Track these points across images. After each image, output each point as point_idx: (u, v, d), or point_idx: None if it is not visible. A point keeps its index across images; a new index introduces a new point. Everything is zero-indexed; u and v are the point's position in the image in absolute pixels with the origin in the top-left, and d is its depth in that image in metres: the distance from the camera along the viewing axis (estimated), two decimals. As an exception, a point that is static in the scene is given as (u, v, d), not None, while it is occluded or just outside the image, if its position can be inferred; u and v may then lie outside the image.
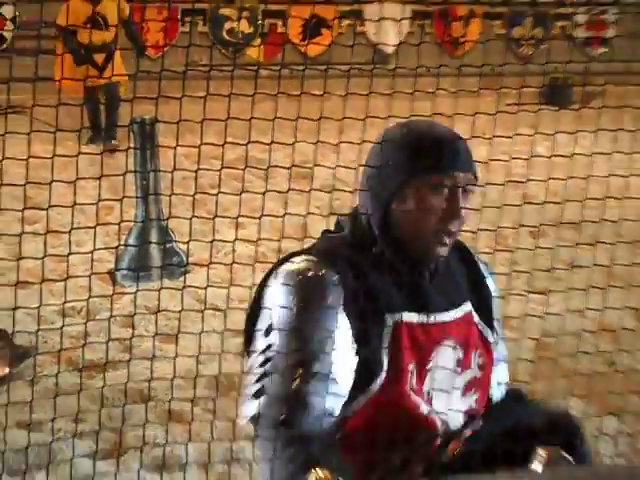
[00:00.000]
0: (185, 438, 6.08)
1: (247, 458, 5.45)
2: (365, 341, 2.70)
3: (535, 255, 4.83)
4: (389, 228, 2.81)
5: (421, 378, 2.80)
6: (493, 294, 3.04)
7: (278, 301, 2.68)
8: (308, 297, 2.66)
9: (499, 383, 3.09)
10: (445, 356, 2.84)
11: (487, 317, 2.99)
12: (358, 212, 2.88)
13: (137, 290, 7.26)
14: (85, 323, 4.40)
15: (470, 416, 2.94)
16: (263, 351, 2.65)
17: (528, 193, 5.56)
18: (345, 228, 2.90)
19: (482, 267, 3.07)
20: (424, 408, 2.80)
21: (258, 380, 2.65)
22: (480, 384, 2.95)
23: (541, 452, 2.75)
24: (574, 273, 6.93)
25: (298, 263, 2.76)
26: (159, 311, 6.06)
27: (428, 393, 2.81)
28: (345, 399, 2.69)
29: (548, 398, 4.80)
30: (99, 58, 15.02)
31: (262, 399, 2.60)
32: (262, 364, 2.64)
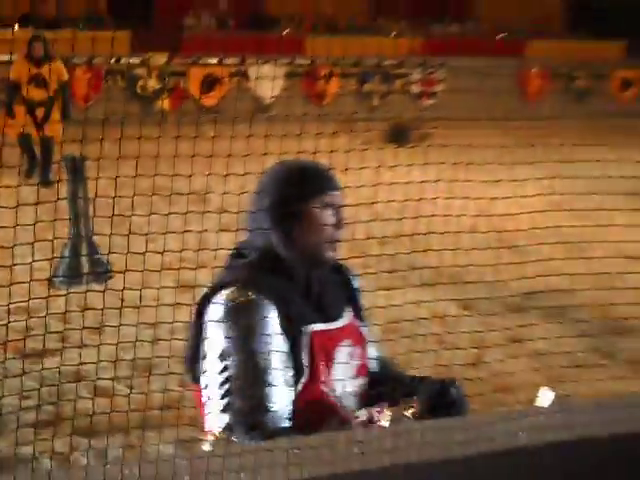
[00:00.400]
0: (109, 409, 6.03)
1: (157, 424, 5.45)
2: (293, 351, 2.69)
3: (381, 259, 4.88)
4: (293, 243, 2.79)
5: (329, 373, 2.79)
6: (358, 290, 3.05)
7: (224, 329, 2.64)
8: (251, 323, 2.62)
9: (374, 358, 3.09)
10: (343, 353, 2.85)
11: (358, 312, 3.00)
12: (259, 237, 2.85)
13: (69, 292, 7.23)
14: (26, 320, 4.31)
15: (361, 397, 2.96)
16: (221, 372, 2.62)
17: (376, 211, 5.59)
18: (252, 253, 2.85)
19: (347, 271, 3.07)
20: (332, 396, 2.80)
21: (223, 397, 2.63)
22: (362, 370, 2.95)
23: (387, 411, 2.75)
24: (411, 273, 7.09)
25: (233, 294, 2.71)
26: (87, 309, 5.97)
27: (333, 384, 2.81)
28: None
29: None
30: (39, 112, 14.80)
31: (230, 412, 2.60)
32: (222, 383, 2.62)
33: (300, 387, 2.72)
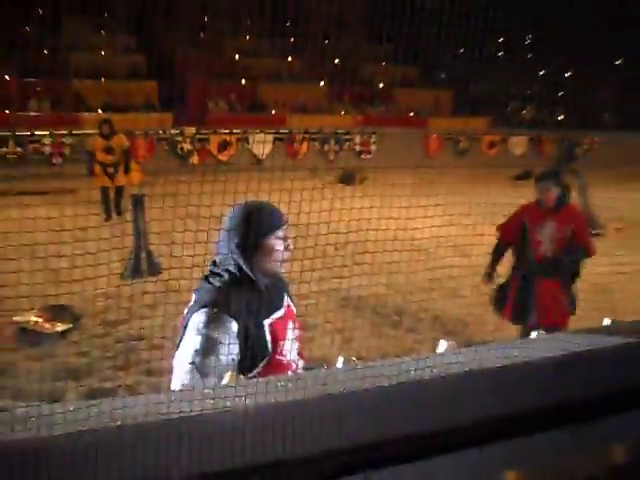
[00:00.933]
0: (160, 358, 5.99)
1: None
2: (253, 342, 2.62)
3: (336, 258, 4.86)
4: (255, 266, 2.75)
5: (283, 345, 2.78)
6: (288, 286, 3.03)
7: (199, 334, 2.55)
8: (214, 332, 2.54)
9: None
10: (290, 330, 2.83)
11: (291, 300, 2.98)
12: (231, 262, 2.76)
13: (133, 283, 7.13)
14: (106, 300, 4.27)
15: (302, 355, 2.96)
16: (192, 362, 2.52)
17: (332, 227, 5.61)
18: (224, 275, 2.76)
19: (283, 277, 3.03)
20: (285, 360, 2.78)
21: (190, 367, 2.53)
22: (299, 337, 2.95)
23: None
24: (355, 267, 7.05)
25: (206, 313, 2.60)
26: (145, 293, 5.92)
27: (285, 351, 2.79)
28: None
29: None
30: (110, 170, 14.96)
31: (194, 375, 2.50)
32: (191, 363, 2.51)
33: (266, 360, 2.68)
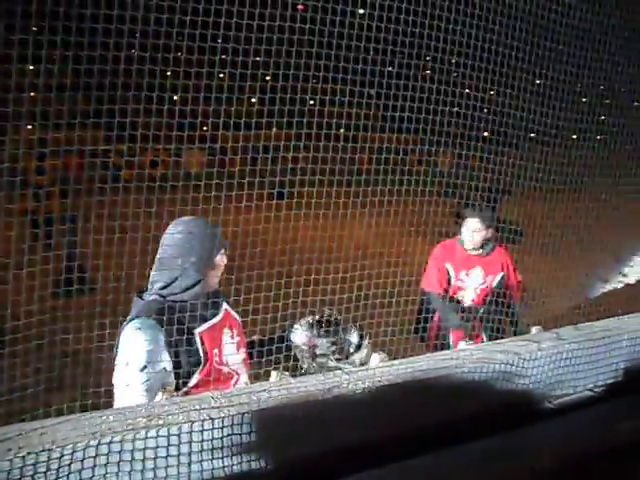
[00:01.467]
0: None
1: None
2: (185, 352, 2.61)
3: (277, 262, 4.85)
4: (203, 281, 2.74)
5: (221, 354, 2.75)
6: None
7: (132, 345, 2.52)
8: (144, 343, 2.51)
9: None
10: (227, 337, 2.83)
11: (231, 306, 2.96)
12: (185, 277, 2.73)
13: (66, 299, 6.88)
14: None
15: (244, 361, 2.91)
16: (130, 377, 2.49)
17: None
18: (160, 290, 2.72)
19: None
20: (225, 369, 2.75)
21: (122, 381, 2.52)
22: (242, 344, 2.92)
23: None
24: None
25: (137, 324, 2.58)
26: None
27: (225, 360, 2.76)
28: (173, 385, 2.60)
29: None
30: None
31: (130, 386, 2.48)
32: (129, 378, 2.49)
33: (199, 370, 2.67)
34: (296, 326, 3.23)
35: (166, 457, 1.85)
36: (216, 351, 2.75)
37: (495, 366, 2.47)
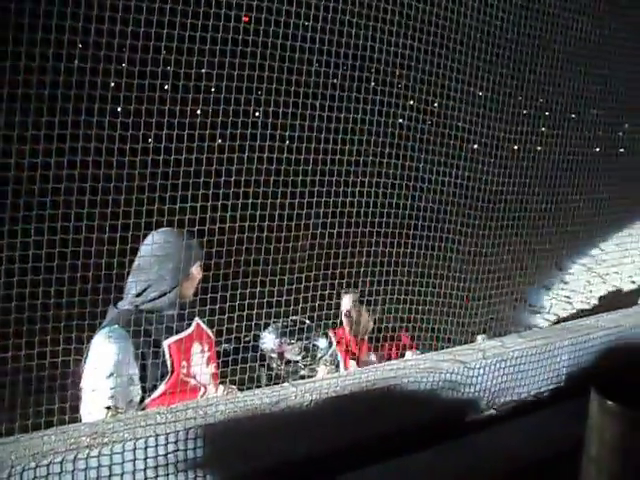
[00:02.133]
0: None
1: None
2: (152, 362, 2.62)
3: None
4: (177, 291, 2.76)
5: (189, 366, 2.74)
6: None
7: (101, 352, 2.54)
8: (113, 351, 2.53)
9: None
10: (197, 350, 2.81)
11: (204, 322, 2.95)
12: (150, 287, 2.75)
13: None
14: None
15: (214, 375, 2.92)
16: (98, 385, 2.49)
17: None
18: (134, 299, 2.74)
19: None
20: (192, 382, 2.74)
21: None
22: (212, 358, 2.91)
23: None
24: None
25: (108, 332, 2.60)
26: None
27: (193, 372, 2.75)
28: (140, 394, 2.60)
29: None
30: None
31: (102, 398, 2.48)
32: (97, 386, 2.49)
33: (165, 381, 2.66)
34: (264, 333, 3.21)
35: (109, 476, 1.80)
36: (184, 363, 2.74)
37: (441, 375, 2.48)
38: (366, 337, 3.82)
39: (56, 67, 2.15)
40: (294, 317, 3.23)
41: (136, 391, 2.57)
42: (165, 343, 2.70)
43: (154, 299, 2.74)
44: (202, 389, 2.80)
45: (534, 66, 3.83)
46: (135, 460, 1.85)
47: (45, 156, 2.17)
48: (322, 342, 3.13)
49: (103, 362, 2.53)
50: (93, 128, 2.29)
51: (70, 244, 2.38)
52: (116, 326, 2.62)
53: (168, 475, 1.89)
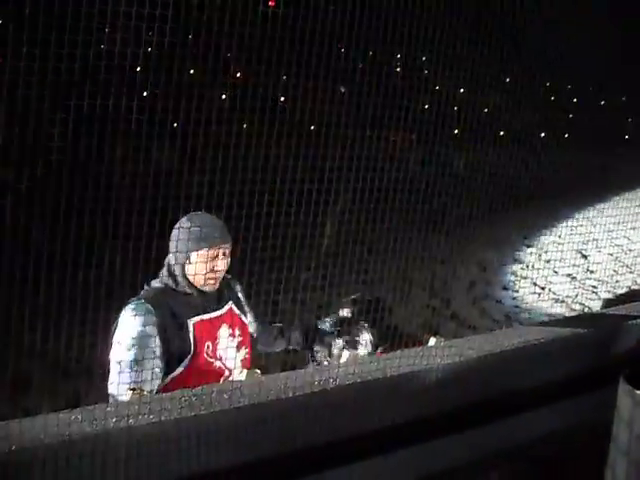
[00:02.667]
0: None
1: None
2: (175, 339, 2.65)
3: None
4: (186, 274, 2.78)
5: (214, 348, 2.75)
6: (241, 296, 3.03)
7: (124, 325, 2.61)
8: (136, 325, 2.59)
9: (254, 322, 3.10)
10: (224, 333, 2.82)
11: (240, 307, 2.97)
12: (170, 266, 2.80)
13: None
14: None
15: (245, 360, 2.93)
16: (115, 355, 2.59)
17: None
18: (163, 277, 2.79)
19: (236, 285, 3.03)
20: (216, 364, 2.75)
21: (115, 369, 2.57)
22: (244, 343, 2.92)
23: None
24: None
25: (134, 306, 2.65)
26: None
27: (219, 355, 2.77)
28: (163, 369, 2.63)
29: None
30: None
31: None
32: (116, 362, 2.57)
33: (188, 359, 2.67)
34: (324, 320, 3.21)
35: (129, 460, 1.80)
36: (209, 344, 2.76)
37: (463, 363, 2.45)
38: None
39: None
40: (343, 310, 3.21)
41: (158, 365, 2.60)
42: (190, 322, 2.72)
43: (167, 279, 2.79)
44: (227, 372, 2.81)
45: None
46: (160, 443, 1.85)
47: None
48: (366, 336, 3.12)
49: (126, 335, 2.60)
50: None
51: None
52: (142, 301, 2.68)
53: (193, 458, 1.90)
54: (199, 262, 2.77)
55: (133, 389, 2.41)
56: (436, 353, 2.44)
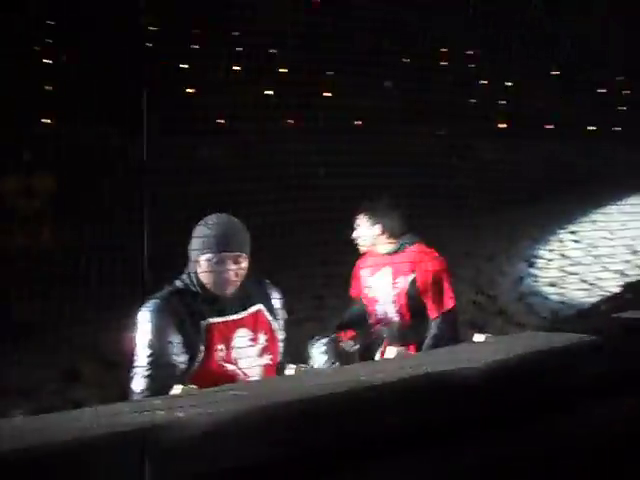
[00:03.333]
0: None
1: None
2: (189, 340, 2.65)
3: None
4: (198, 277, 2.77)
5: (229, 351, 2.71)
6: (276, 302, 2.92)
7: (140, 323, 2.65)
8: (151, 324, 2.62)
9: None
10: (243, 336, 2.76)
11: (273, 313, 2.88)
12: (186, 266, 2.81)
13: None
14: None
15: (266, 368, 2.84)
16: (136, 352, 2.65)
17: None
18: (183, 277, 2.79)
19: (272, 290, 2.93)
20: (230, 368, 2.71)
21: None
22: (269, 350, 2.83)
23: None
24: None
25: (151, 306, 2.66)
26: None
27: (234, 359, 2.71)
28: (181, 367, 2.64)
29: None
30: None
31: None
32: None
33: (198, 361, 2.66)
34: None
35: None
36: (222, 347, 2.72)
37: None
38: None
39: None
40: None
41: (172, 363, 2.62)
42: (203, 323, 2.69)
43: (186, 278, 2.76)
44: (242, 377, 2.75)
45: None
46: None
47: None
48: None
49: (141, 333, 2.63)
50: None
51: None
52: (158, 300, 2.68)
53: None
54: (208, 266, 2.73)
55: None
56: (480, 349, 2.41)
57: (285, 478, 1.90)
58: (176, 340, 2.63)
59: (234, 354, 2.73)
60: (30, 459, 1.56)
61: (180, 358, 2.63)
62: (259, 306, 2.85)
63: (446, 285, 3.90)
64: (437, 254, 4.00)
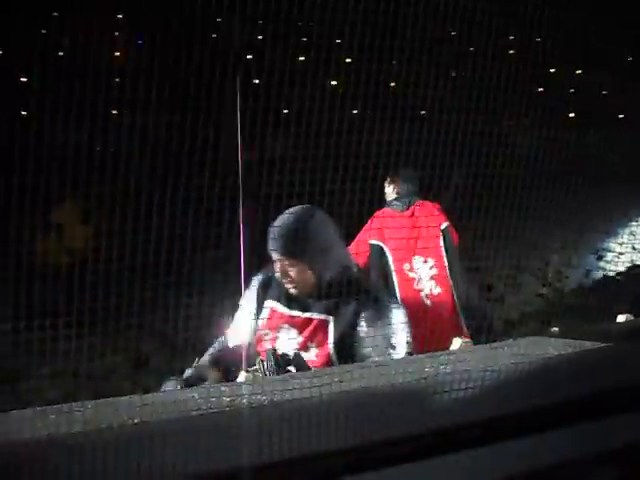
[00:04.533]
0: None
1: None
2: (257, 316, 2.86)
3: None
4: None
5: (273, 340, 2.76)
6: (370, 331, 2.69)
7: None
8: (246, 295, 2.88)
9: None
10: (285, 329, 2.77)
11: (341, 331, 2.71)
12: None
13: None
14: None
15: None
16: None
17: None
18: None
19: (348, 306, 2.73)
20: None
21: None
22: (317, 364, 2.68)
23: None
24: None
25: (251, 281, 2.91)
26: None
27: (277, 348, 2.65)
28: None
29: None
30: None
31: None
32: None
33: (254, 336, 2.81)
34: None
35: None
36: (268, 331, 2.81)
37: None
38: None
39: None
40: None
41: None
42: (267, 304, 2.84)
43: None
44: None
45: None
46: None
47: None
48: None
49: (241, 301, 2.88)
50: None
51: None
52: (257, 277, 2.92)
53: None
54: (276, 261, 2.79)
55: (247, 371, 2.48)
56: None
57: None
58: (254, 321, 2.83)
59: (277, 343, 2.74)
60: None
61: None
62: (318, 315, 2.76)
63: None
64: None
